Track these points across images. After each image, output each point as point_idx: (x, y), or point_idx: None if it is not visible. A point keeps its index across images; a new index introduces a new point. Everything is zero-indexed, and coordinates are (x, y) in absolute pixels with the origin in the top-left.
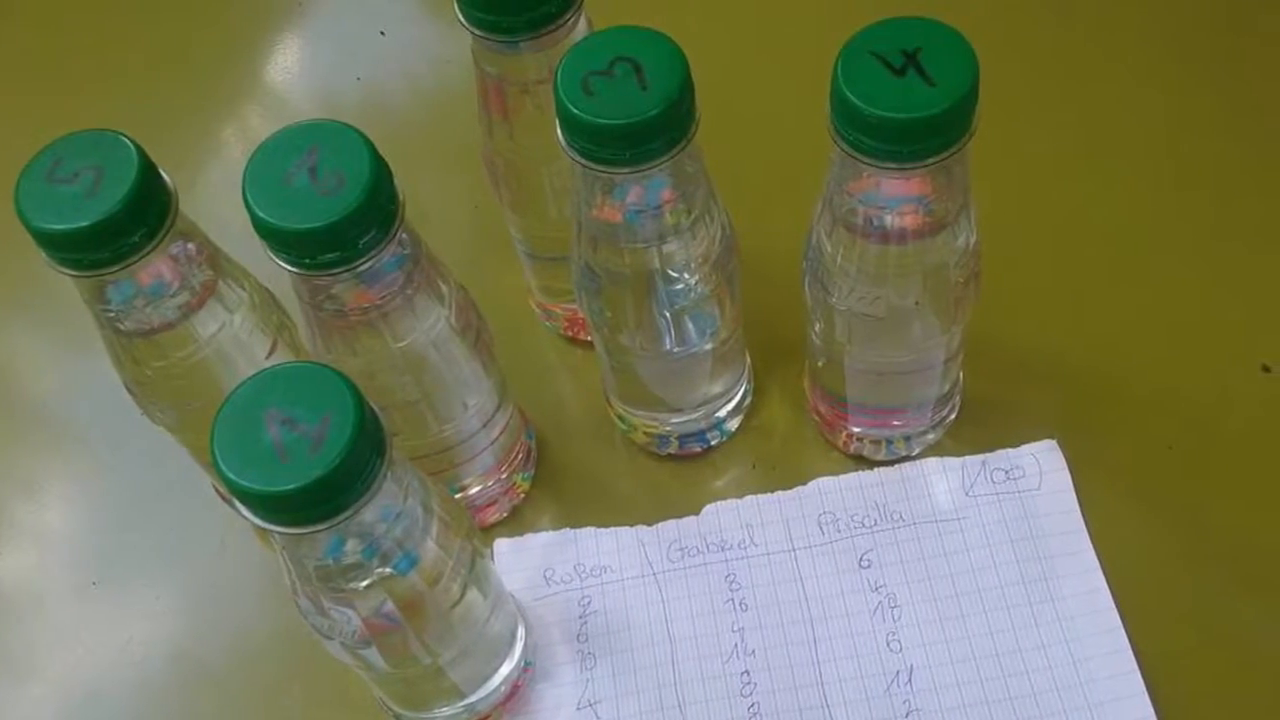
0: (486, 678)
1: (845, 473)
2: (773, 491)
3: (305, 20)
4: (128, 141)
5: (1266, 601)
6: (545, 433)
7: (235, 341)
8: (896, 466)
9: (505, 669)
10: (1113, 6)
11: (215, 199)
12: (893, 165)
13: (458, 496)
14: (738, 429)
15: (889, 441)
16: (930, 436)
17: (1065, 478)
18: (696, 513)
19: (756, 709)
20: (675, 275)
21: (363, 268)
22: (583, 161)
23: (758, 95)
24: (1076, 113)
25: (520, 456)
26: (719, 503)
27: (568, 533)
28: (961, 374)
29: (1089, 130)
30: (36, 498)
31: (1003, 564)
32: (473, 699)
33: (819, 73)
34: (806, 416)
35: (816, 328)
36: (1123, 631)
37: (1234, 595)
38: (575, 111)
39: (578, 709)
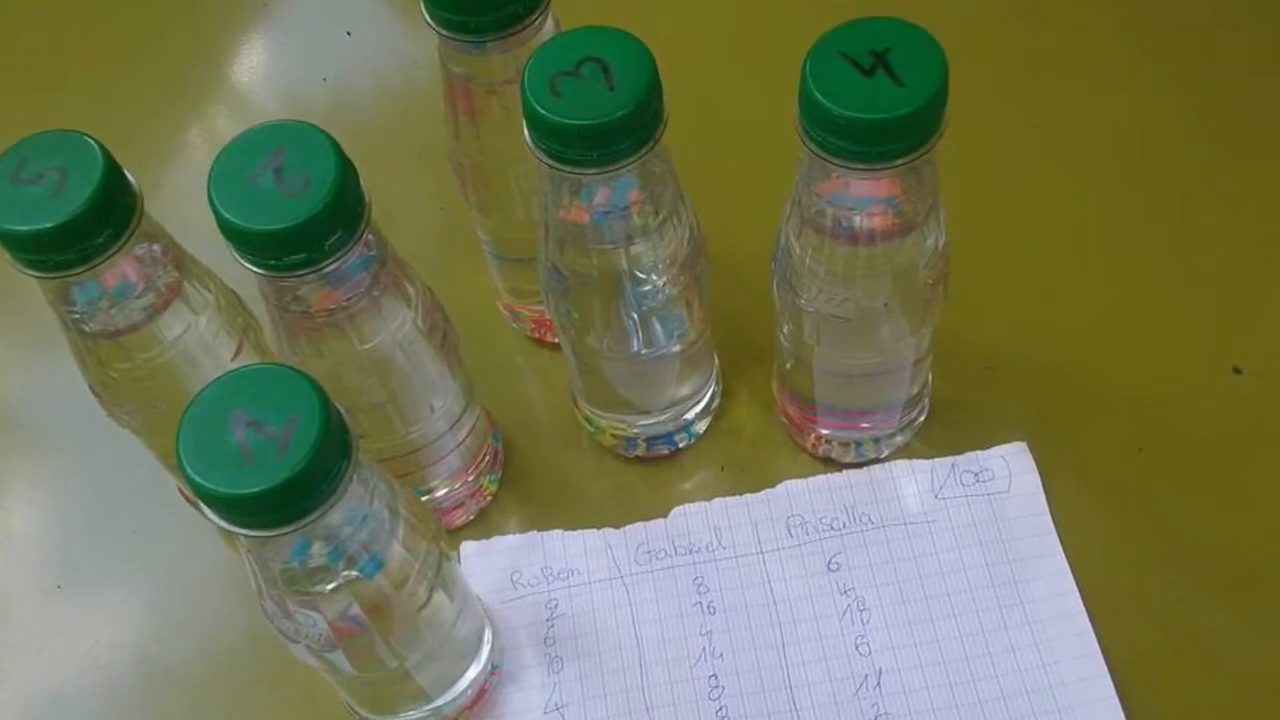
0: (453, 681)
1: (814, 475)
2: (741, 494)
3: (271, 21)
4: (92, 142)
5: (1236, 604)
6: (512, 435)
7: (201, 343)
8: (865, 469)
9: (472, 672)
10: (1084, 7)
11: (181, 200)
12: (861, 166)
13: (424, 499)
14: (706, 431)
15: (858, 444)
16: (899, 439)
17: (1035, 480)
18: (664, 515)
19: (725, 712)
20: (643, 276)
21: (329, 269)
22: (550, 162)
23: (726, 96)
24: (1047, 114)
25: (487, 459)
26: (687, 505)
27: (535, 535)
28: (930, 376)
29: (1060, 131)
30: (1, 501)
31: (972, 567)
32: (439, 702)
33: (788, 73)
34: (775, 419)
35: (785, 329)
36: (1092, 635)
37: (1204, 598)
38: (542, 112)
39: (545, 712)
